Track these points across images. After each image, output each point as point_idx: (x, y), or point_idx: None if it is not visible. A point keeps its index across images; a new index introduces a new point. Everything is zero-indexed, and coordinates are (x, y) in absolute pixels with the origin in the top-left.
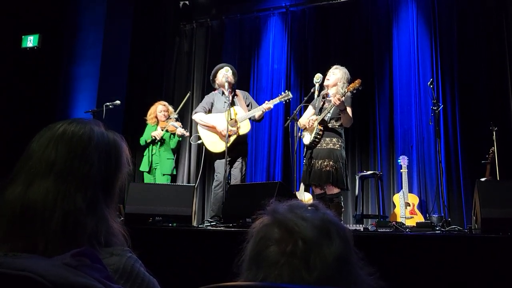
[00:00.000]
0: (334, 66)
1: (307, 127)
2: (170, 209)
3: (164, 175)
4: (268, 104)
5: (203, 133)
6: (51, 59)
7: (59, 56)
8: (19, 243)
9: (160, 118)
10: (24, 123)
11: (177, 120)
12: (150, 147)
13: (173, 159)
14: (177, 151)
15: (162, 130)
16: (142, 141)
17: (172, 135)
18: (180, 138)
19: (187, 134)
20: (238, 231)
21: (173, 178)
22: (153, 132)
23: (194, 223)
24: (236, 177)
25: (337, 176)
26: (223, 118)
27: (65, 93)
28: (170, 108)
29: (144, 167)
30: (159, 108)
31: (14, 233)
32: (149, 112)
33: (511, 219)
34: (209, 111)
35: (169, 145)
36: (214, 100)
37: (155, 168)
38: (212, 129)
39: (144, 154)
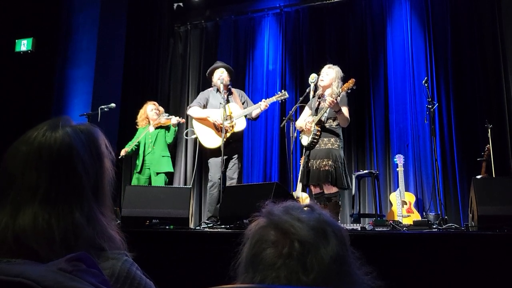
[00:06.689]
0: (327, 66)
1: (304, 129)
2: (167, 212)
3: (158, 174)
4: (265, 103)
5: (198, 128)
6: (45, 62)
7: (53, 60)
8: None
9: (152, 116)
10: (19, 128)
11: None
12: (142, 147)
13: (169, 156)
14: (173, 146)
15: (155, 128)
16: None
17: (166, 130)
18: (176, 128)
19: (183, 120)
20: (235, 233)
21: (171, 176)
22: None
23: (191, 225)
24: (231, 178)
25: (336, 175)
26: (217, 112)
27: (60, 97)
28: (160, 108)
29: (136, 168)
30: (149, 108)
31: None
32: (139, 115)
33: (507, 216)
34: (204, 107)
35: (165, 141)
36: (209, 97)
37: (148, 168)
38: (206, 121)
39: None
